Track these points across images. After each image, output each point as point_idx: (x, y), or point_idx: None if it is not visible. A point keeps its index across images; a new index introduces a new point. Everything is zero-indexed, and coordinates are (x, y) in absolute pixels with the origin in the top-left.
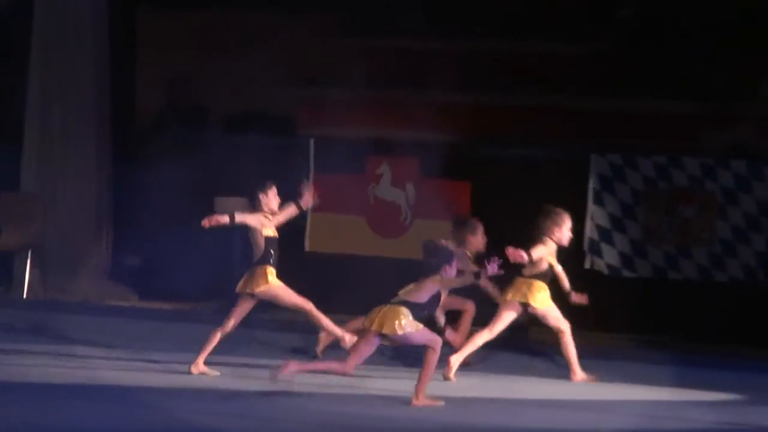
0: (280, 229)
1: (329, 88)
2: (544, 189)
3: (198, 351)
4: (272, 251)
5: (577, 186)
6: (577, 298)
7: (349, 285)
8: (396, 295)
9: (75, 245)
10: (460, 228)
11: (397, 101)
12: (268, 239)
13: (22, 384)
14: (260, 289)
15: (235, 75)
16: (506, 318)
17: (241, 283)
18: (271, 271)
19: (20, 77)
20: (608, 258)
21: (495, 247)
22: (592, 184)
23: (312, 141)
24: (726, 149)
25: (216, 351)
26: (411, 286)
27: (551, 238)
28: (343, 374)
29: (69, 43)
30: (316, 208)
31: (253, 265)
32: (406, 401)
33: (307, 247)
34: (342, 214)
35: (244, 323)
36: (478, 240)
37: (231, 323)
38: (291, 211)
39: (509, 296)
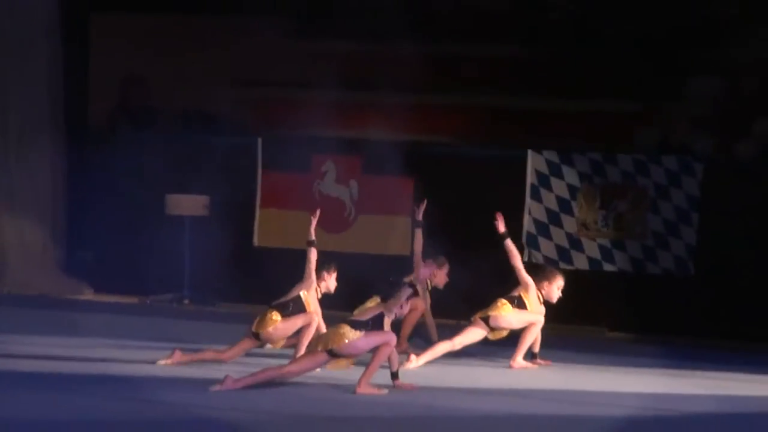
0: (228, 224)
1: (277, 88)
2: (483, 184)
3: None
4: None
5: (515, 182)
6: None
7: (296, 279)
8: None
9: (31, 241)
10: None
11: (342, 102)
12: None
13: None
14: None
15: (185, 76)
16: (471, 334)
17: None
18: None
19: None
20: (545, 251)
21: (441, 239)
22: (529, 180)
23: (260, 140)
24: (657, 146)
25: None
26: (366, 305)
27: (540, 291)
28: (281, 378)
29: (23, 45)
30: (265, 204)
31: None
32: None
33: (255, 242)
34: (289, 210)
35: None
36: (442, 275)
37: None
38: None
39: (478, 314)
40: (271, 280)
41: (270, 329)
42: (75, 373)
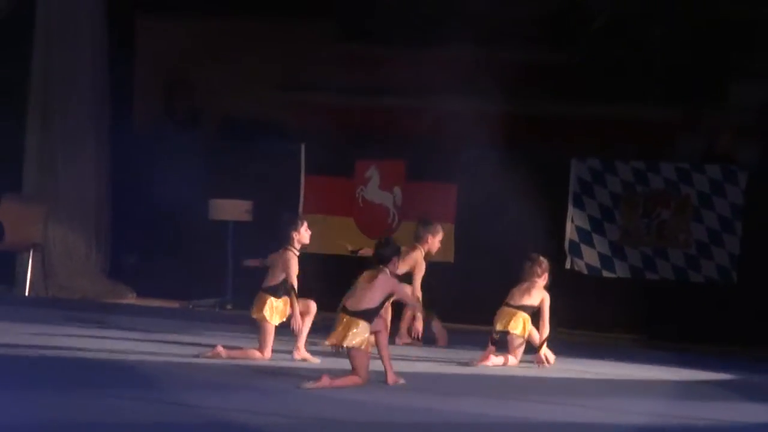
0: (271, 229)
1: (321, 93)
2: (526, 192)
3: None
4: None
5: (558, 189)
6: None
7: (342, 284)
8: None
9: (75, 245)
10: (424, 228)
11: (386, 107)
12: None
13: (38, 378)
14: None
15: (229, 80)
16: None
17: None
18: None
19: (22, 83)
20: (588, 259)
21: (485, 244)
22: (572, 188)
23: (303, 145)
24: (700, 154)
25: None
26: (361, 284)
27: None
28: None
29: (69, 48)
30: (308, 209)
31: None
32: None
33: None
34: (332, 216)
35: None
36: (435, 242)
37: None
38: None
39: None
40: (313, 286)
41: (266, 313)
42: (109, 374)
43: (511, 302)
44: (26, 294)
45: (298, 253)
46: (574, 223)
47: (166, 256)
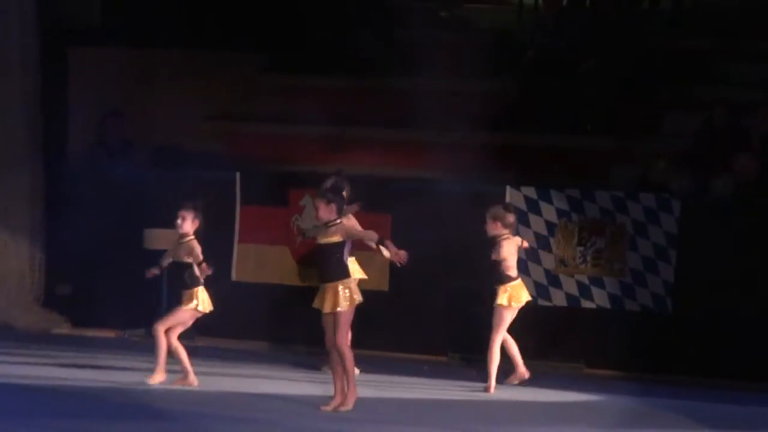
0: (206, 258)
1: (254, 123)
2: (460, 221)
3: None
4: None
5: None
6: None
7: (276, 313)
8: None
9: (8, 274)
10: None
11: (319, 137)
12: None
13: None
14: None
15: (162, 110)
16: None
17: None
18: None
19: None
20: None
21: (415, 274)
22: None
23: (238, 174)
24: (634, 183)
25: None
26: (318, 252)
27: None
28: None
29: (1, 80)
30: (243, 238)
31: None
32: None
33: (234, 276)
34: (266, 245)
35: None
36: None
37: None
38: None
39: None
40: (248, 315)
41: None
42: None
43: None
44: None
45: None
46: None
47: (100, 285)
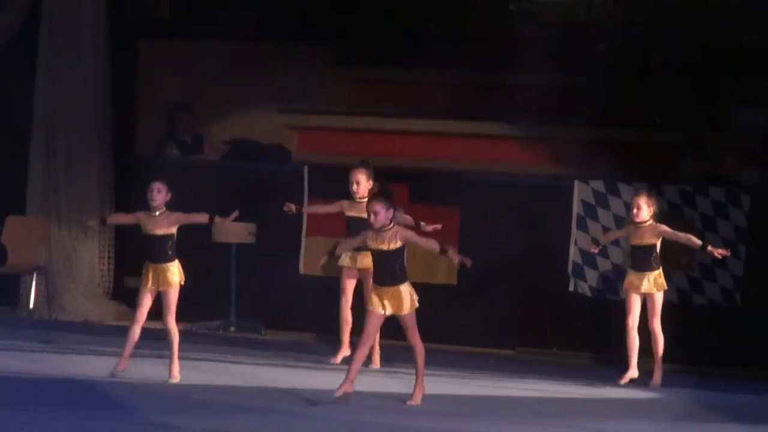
0: (274, 252)
1: (323, 116)
2: (529, 214)
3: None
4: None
5: (562, 212)
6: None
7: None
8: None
9: (79, 268)
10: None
11: (388, 129)
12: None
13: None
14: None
15: (232, 104)
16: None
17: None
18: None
19: (25, 107)
20: (591, 281)
21: (490, 267)
22: (575, 210)
23: (306, 168)
24: (703, 177)
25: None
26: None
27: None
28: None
29: (72, 73)
30: (311, 232)
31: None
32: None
33: (301, 269)
34: (333, 238)
35: None
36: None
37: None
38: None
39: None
40: (316, 308)
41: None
42: (104, 396)
43: None
44: (29, 316)
45: None
46: (577, 245)
47: None
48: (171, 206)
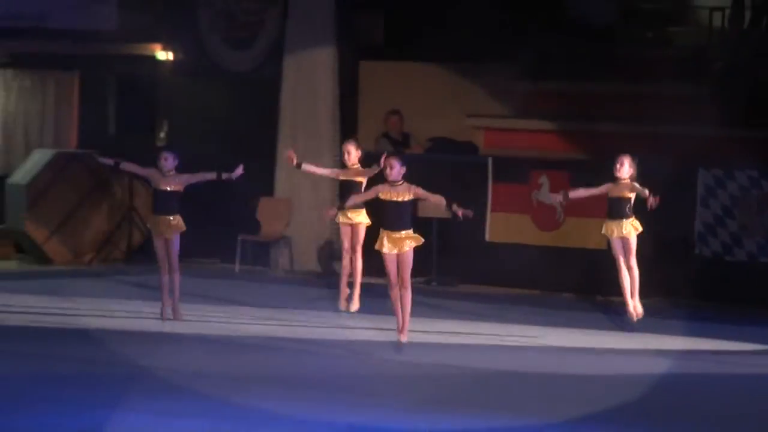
0: (465, 224)
1: (503, 119)
2: (663, 194)
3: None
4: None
5: (688, 193)
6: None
7: (518, 266)
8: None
9: (313, 235)
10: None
11: (553, 129)
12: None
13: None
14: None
15: (432, 109)
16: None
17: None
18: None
19: (273, 112)
20: (713, 247)
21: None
22: (699, 192)
23: (490, 159)
24: None
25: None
26: (390, 205)
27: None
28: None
29: (310, 85)
30: (494, 209)
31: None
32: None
33: (487, 237)
34: (513, 213)
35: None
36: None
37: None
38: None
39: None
40: (498, 268)
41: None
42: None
43: None
44: (277, 273)
45: None
46: (701, 219)
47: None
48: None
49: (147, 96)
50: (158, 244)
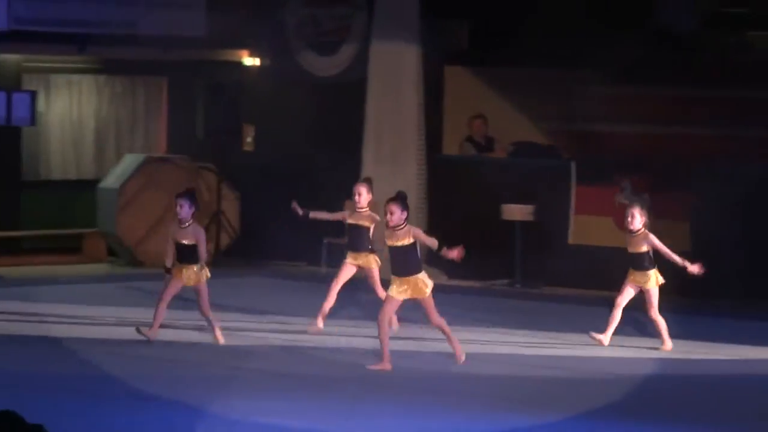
0: (549, 227)
1: (583, 123)
2: (756, 200)
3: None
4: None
5: None
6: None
7: (602, 268)
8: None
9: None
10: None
11: (636, 133)
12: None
13: None
14: None
15: (514, 113)
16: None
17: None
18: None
19: (358, 117)
20: None
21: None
22: None
23: (573, 163)
24: None
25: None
26: (393, 251)
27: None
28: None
29: (395, 91)
30: (577, 211)
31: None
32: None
33: (570, 240)
34: (595, 216)
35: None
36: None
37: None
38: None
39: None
40: (581, 271)
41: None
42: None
43: None
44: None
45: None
46: None
47: (473, 247)
48: (469, 193)
49: (234, 101)
50: (173, 282)
